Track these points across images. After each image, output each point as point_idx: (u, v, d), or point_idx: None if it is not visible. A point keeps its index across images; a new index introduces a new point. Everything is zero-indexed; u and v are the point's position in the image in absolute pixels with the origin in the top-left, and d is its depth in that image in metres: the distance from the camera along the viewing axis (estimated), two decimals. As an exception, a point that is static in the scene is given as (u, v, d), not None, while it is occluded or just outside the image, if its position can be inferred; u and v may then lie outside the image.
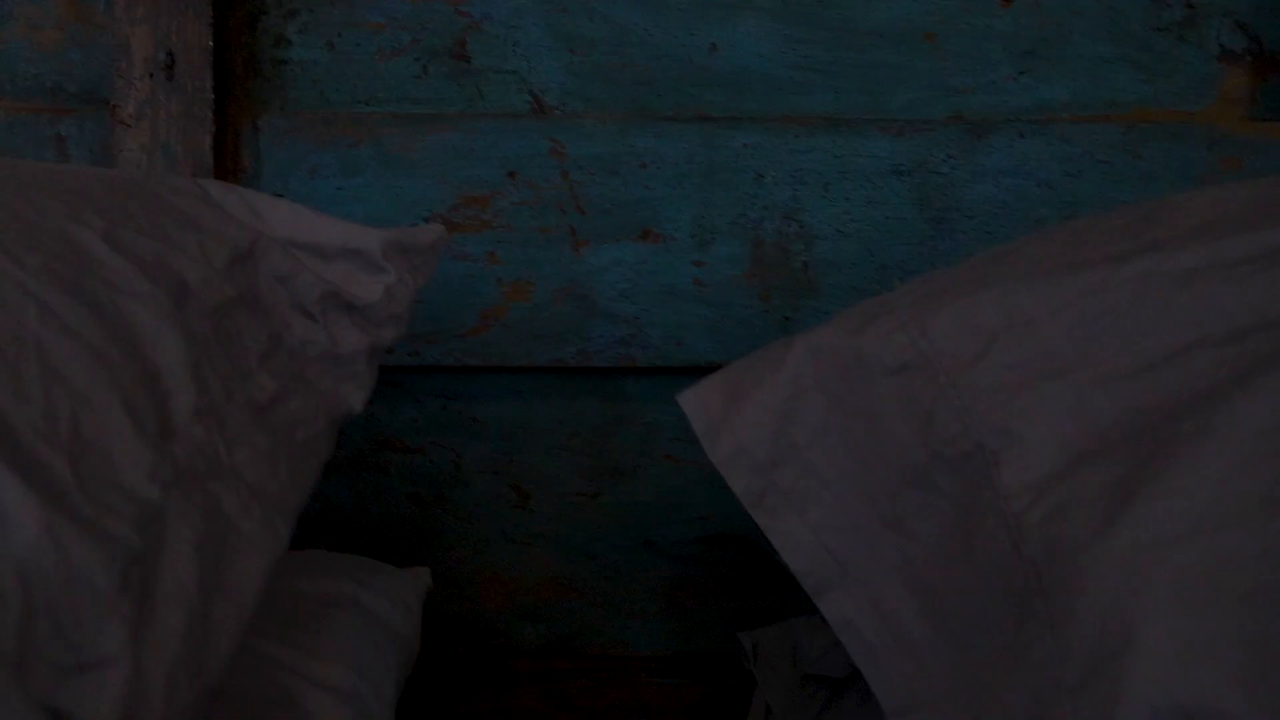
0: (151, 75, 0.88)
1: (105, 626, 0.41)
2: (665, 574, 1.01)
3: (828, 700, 0.89)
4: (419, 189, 0.95)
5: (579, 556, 1.01)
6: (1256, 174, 0.97)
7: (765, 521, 0.74)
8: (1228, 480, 0.54)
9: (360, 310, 0.72)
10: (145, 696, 0.42)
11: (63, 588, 0.40)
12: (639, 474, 1.00)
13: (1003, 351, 0.67)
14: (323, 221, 0.73)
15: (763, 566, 0.98)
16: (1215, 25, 0.98)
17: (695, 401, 0.76)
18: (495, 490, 1.00)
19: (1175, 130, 0.97)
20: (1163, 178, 0.97)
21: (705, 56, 0.97)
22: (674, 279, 0.96)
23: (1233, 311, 0.61)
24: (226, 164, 0.92)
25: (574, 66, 0.97)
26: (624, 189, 0.96)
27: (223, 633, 0.50)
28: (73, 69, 0.95)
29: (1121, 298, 0.65)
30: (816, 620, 0.89)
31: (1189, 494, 0.54)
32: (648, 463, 1.00)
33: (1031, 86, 0.98)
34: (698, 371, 0.77)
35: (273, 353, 0.65)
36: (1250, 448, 0.54)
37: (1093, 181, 0.96)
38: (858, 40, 0.98)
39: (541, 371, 0.98)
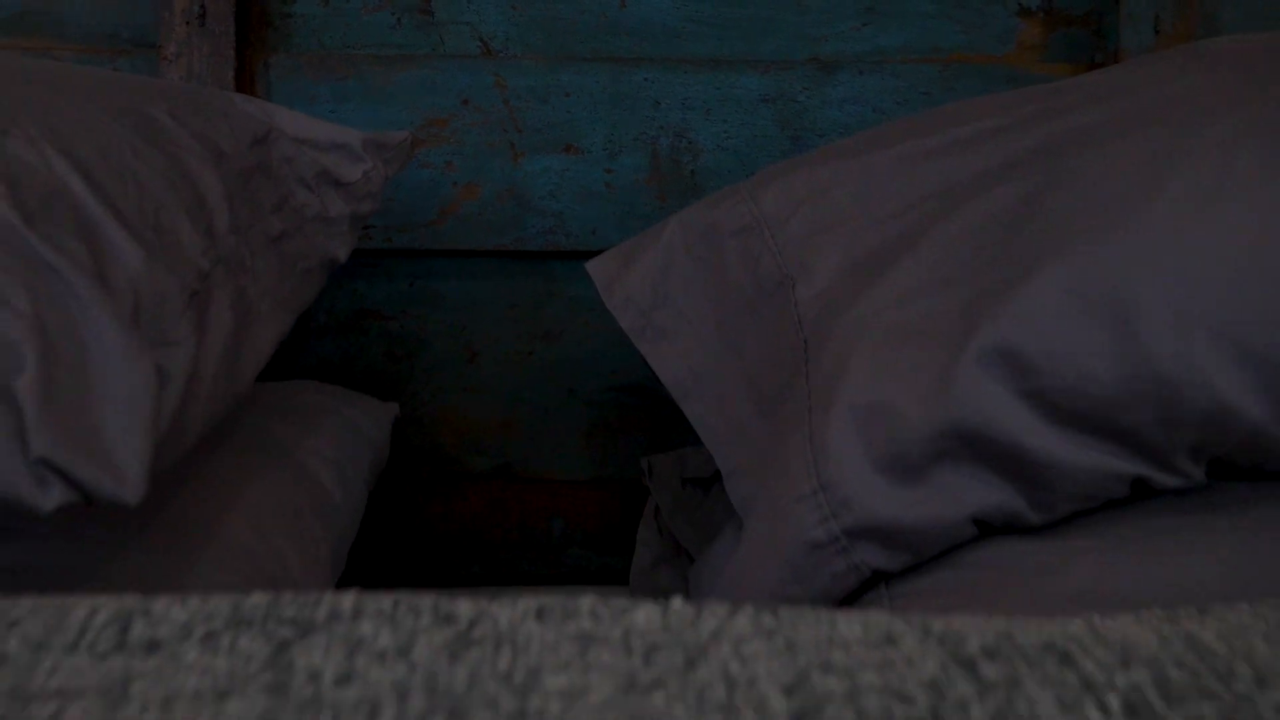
0: (188, 24, 1.12)
1: (178, 323, 0.65)
2: (585, 416, 1.24)
3: (700, 500, 1.13)
4: (394, 114, 1.19)
5: (517, 402, 1.24)
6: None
7: (645, 349, 0.97)
8: (921, 274, 0.77)
9: (345, 187, 0.95)
10: (199, 372, 0.66)
11: (152, 296, 0.64)
12: (564, 337, 1.23)
13: (807, 211, 0.91)
14: (318, 123, 0.97)
15: (661, 409, 1.21)
16: (1016, -12, 1.22)
17: (598, 267, 0.99)
18: (451, 350, 1.23)
19: (983, 70, 1.21)
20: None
21: (616, 12, 1.20)
22: (590, 183, 1.19)
23: (939, 179, 0.85)
24: (251, 92, 1.16)
25: (514, 19, 1.20)
26: (552, 113, 1.19)
27: (245, 363, 0.74)
28: (126, 19, 1.18)
29: (884, 172, 0.89)
30: (700, 449, 1.12)
31: (897, 283, 0.78)
32: (571, 328, 1.23)
33: (871, 36, 1.21)
34: (594, 238, 1.01)
35: (281, 207, 0.89)
36: (934, 257, 0.78)
37: (917, 109, 1.20)
38: (739, 1, 1.21)
39: (488, 255, 1.21)
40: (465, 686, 0.35)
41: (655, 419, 1.23)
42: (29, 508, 0.51)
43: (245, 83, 1.15)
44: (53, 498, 0.51)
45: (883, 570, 0.71)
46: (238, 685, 0.35)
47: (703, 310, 0.96)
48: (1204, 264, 0.67)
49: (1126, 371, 0.66)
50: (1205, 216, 0.69)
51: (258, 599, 0.40)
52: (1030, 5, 1.21)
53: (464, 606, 0.39)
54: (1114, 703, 0.36)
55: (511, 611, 0.39)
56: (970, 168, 0.84)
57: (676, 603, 0.41)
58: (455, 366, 1.22)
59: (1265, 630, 0.41)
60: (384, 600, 0.39)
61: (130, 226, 0.65)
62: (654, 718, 0.33)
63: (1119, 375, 0.66)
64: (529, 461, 1.24)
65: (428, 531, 1.23)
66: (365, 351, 1.22)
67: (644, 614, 0.40)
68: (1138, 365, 0.66)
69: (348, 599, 0.39)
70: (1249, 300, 0.66)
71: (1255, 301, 0.66)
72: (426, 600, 0.40)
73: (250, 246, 0.80)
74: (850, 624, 0.40)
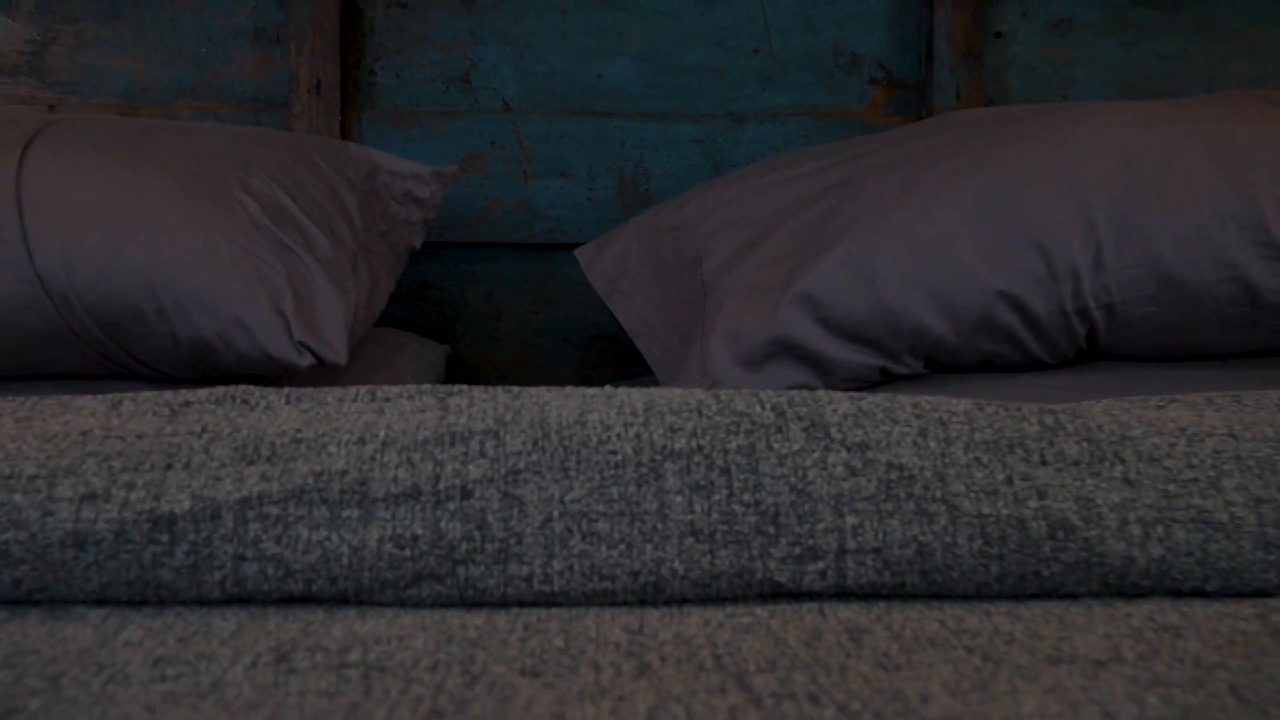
0: (309, 91, 1.58)
1: (348, 279, 1.11)
2: (574, 356, 1.70)
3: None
4: (444, 151, 1.64)
5: (528, 347, 1.70)
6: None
7: (613, 306, 1.41)
8: (771, 253, 1.23)
9: (419, 201, 1.41)
10: (358, 305, 1.12)
11: (336, 264, 1.10)
12: (560, 303, 1.69)
13: (712, 216, 1.36)
14: (400, 160, 1.42)
15: (624, 351, 1.67)
16: (868, 65, 1.68)
17: (582, 253, 1.45)
18: (483, 311, 1.68)
19: (845, 120, 1.67)
20: (844, 147, 1.67)
21: (596, 81, 1.66)
22: (578, 198, 1.65)
23: (789, 197, 1.30)
24: (347, 139, 1.61)
25: (526, 86, 1.66)
26: (551, 151, 1.65)
27: (375, 304, 1.20)
28: (265, 87, 1.64)
29: (759, 192, 1.35)
30: (648, 375, 1.57)
31: (757, 259, 1.23)
32: (565, 296, 1.69)
33: (768, 97, 1.67)
34: (578, 233, 1.47)
35: (384, 215, 1.35)
36: (778, 244, 1.24)
37: (798, 148, 1.65)
38: (679, 73, 1.67)
39: (508, 246, 1.66)
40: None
41: (621, 357, 1.69)
42: (295, 366, 0.98)
43: (345, 131, 1.61)
44: (305, 360, 0.98)
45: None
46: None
47: (648, 280, 1.41)
48: (914, 247, 1.14)
49: (871, 307, 1.13)
50: (919, 221, 1.15)
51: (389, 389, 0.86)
52: (877, 76, 1.68)
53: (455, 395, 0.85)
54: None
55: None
56: (806, 190, 1.30)
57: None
58: (486, 322, 1.68)
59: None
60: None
61: (319, 227, 1.12)
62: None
63: (868, 309, 1.13)
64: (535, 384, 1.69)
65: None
66: (425, 313, 1.68)
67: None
68: (877, 304, 1.13)
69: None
70: (937, 266, 1.12)
71: (941, 267, 1.12)
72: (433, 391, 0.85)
73: (371, 239, 1.26)
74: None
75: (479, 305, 1.68)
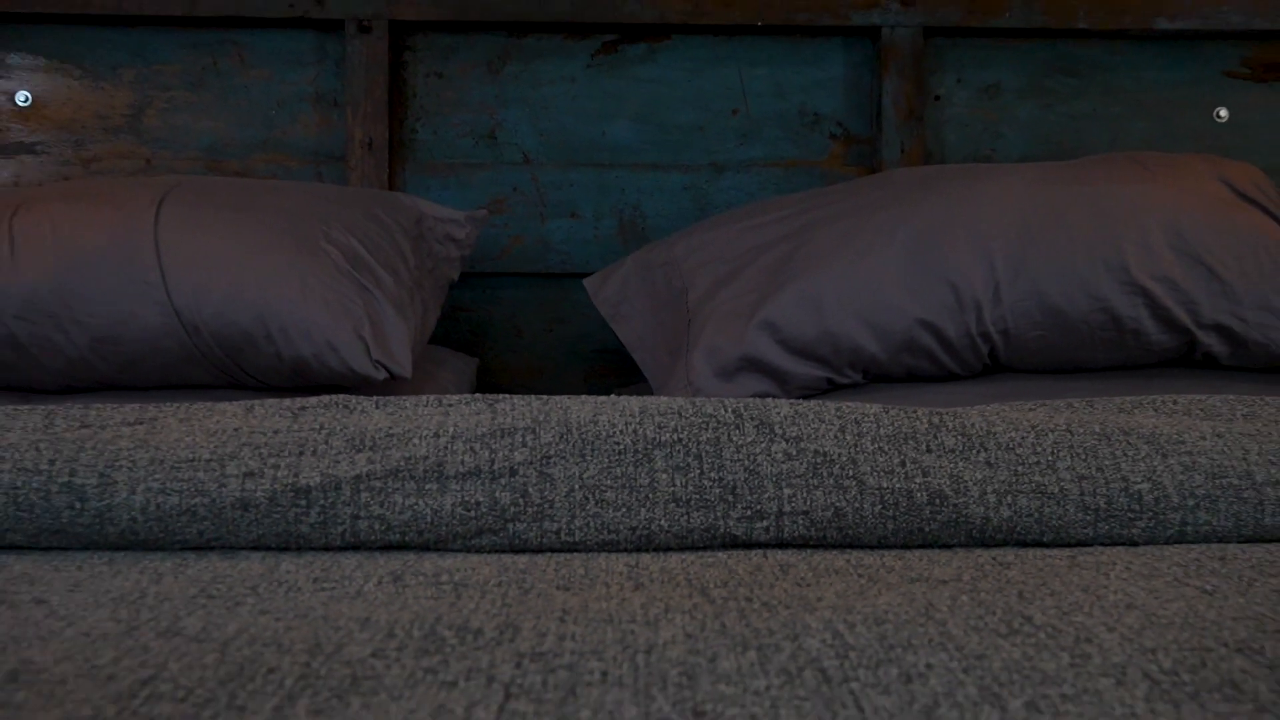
0: (363, 148, 1.83)
1: (408, 309, 1.35)
2: (582, 366, 1.95)
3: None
4: (474, 197, 1.89)
5: (544, 360, 1.94)
6: (847, 190, 1.91)
7: (615, 327, 1.66)
8: (742, 287, 1.48)
9: (456, 241, 1.66)
10: (416, 330, 1.36)
11: (399, 297, 1.35)
12: (570, 322, 1.94)
13: (696, 255, 1.60)
14: (440, 207, 1.67)
15: (623, 363, 1.92)
16: (828, 123, 1.93)
17: (589, 282, 1.69)
18: (506, 329, 1.93)
19: (810, 170, 1.92)
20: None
21: (601, 138, 1.91)
22: (585, 236, 1.90)
23: (758, 240, 1.55)
24: (394, 188, 1.86)
25: (542, 142, 1.91)
26: (564, 196, 1.90)
27: (426, 327, 1.45)
28: (325, 144, 1.89)
29: (734, 234, 1.59)
30: (642, 384, 1.82)
31: (731, 291, 1.48)
32: (574, 317, 1.93)
33: (745, 151, 1.92)
34: (587, 267, 1.72)
35: (430, 254, 1.59)
36: (748, 280, 1.48)
37: (769, 195, 1.90)
38: (670, 131, 1.91)
39: (527, 275, 1.91)
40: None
41: (621, 368, 1.93)
42: (373, 379, 1.23)
43: (392, 181, 1.86)
44: (381, 374, 1.23)
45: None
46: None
47: (644, 305, 1.66)
48: (853, 285, 1.39)
49: (819, 331, 1.38)
50: (857, 264, 1.40)
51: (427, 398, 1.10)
52: (836, 132, 1.93)
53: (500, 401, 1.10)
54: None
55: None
56: (770, 236, 1.55)
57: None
58: (508, 339, 1.93)
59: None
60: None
61: (385, 268, 1.37)
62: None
63: (816, 333, 1.38)
64: (550, 392, 1.94)
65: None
66: (458, 330, 1.92)
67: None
68: (823, 329, 1.37)
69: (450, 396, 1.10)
70: (870, 300, 1.37)
71: (873, 300, 1.37)
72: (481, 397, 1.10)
73: (421, 275, 1.51)
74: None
75: (502, 324, 1.93)
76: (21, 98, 1.84)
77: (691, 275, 1.57)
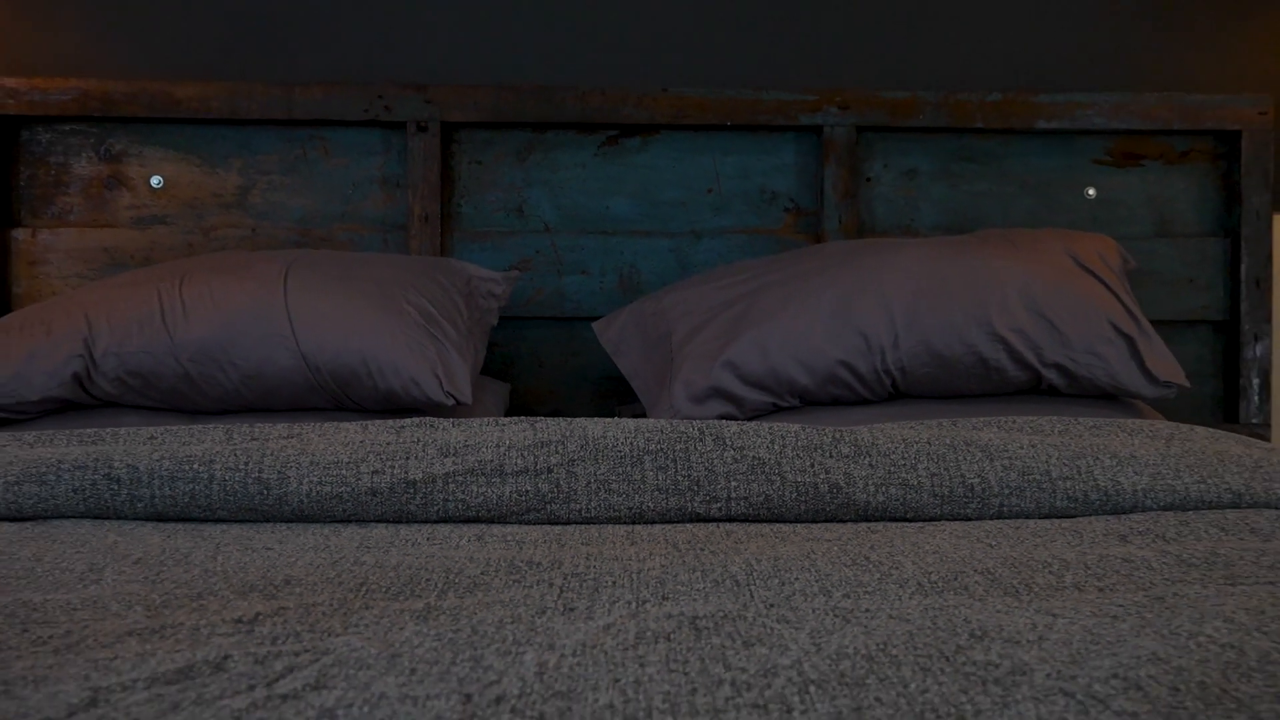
0: (420, 220, 2.22)
1: (466, 349, 1.75)
2: (591, 390, 2.33)
3: (641, 425, 2.23)
4: (506, 259, 2.28)
5: (560, 384, 2.33)
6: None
7: (616, 360, 2.04)
8: (711, 334, 1.87)
9: (495, 296, 2.04)
10: (471, 370, 1.75)
11: (460, 342, 1.74)
12: (581, 355, 2.32)
13: (678, 306, 1.99)
14: (482, 269, 2.05)
15: (623, 388, 2.31)
16: (783, 199, 2.32)
17: (597, 325, 2.08)
18: (530, 360, 2.32)
19: (769, 238, 2.31)
20: (765, 255, 2.32)
21: (605, 210, 2.30)
22: (594, 289, 2.29)
23: (726, 297, 1.94)
24: (444, 252, 2.26)
25: (560, 216, 2.30)
26: (576, 257, 2.29)
27: (477, 367, 1.84)
28: (391, 216, 2.27)
29: (707, 292, 1.98)
30: (637, 404, 2.21)
31: (704, 336, 1.87)
32: (584, 351, 2.32)
33: (718, 221, 2.31)
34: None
35: (476, 308, 1.98)
36: (715, 327, 1.87)
37: (737, 259, 2.29)
38: (659, 206, 2.30)
39: (547, 319, 2.29)
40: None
41: (620, 391, 2.32)
42: (444, 405, 1.62)
43: (443, 247, 2.25)
44: (450, 402, 1.62)
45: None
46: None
47: (638, 345, 2.04)
48: (790, 335, 1.77)
49: (766, 369, 1.77)
50: (794, 320, 1.79)
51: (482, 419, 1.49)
52: (789, 206, 2.32)
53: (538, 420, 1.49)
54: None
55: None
56: (731, 295, 1.93)
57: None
58: (532, 368, 2.32)
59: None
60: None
61: (449, 322, 1.75)
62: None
63: (764, 370, 1.77)
64: (565, 410, 2.34)
65: (519, 443, 2.32)
66: (494, 360, 2.30)
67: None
68: (769, 367, 1.76)
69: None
70: (803, 346, 1.76)
71: (805, 346, 1.76)
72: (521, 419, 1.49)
73: (472, 324, 1.90)
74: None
75: (528, 357, 2.31)
76: (156, 181, 2.23)
77: (674, 323, 1.96)
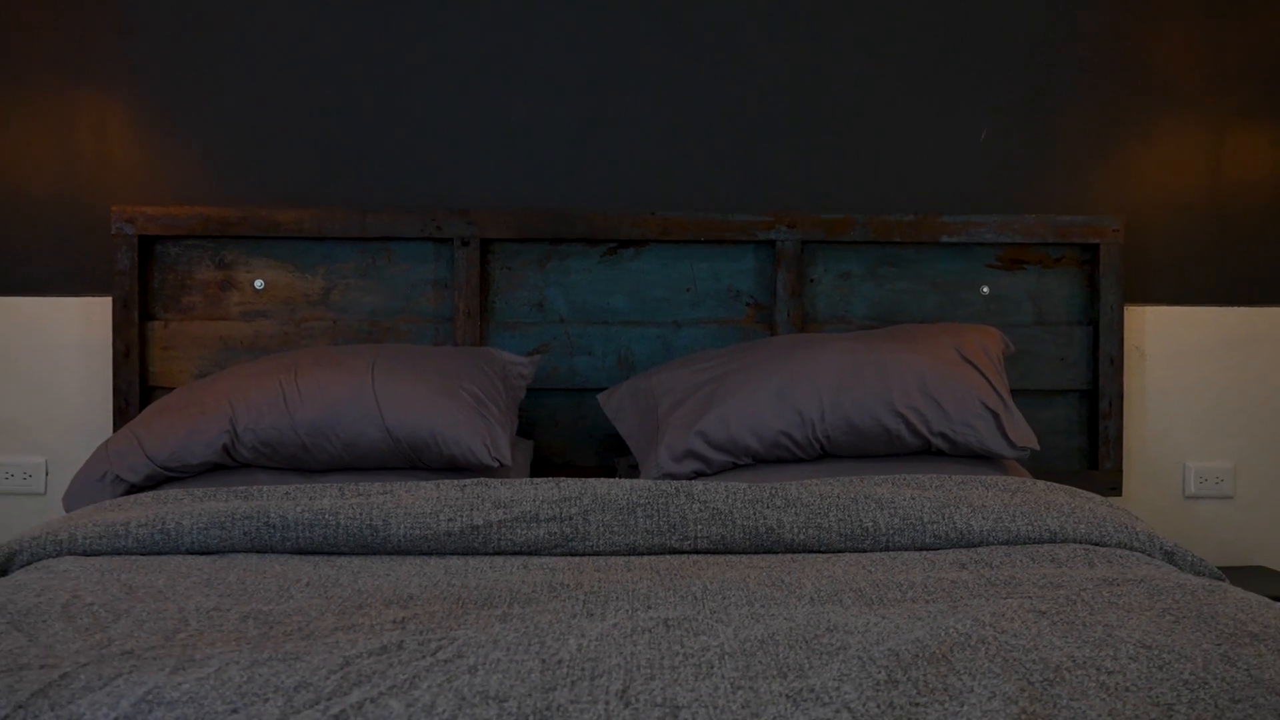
0: (464, 315, 2.69)
1: (507, 423, 2.21)
2: (596, 445, 2.76)
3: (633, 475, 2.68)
4: (529, 343, 2.73)
5: (573, 442, 2.76)
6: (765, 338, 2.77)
7: (616, 425, 2.48)
8: (689, 409, 2.33)
9: (523, 376, 2.49)
10: (509, 438, 2.21)
11: (503, 418, 2.19)
12: (588, 419, 2.76)
13: (664, 385, 2.44)
14: (514, 355, 2.51)
15: (622, 445, 2.76)
16: (745, 296, 2.77)
17: (601, 397, 2.53)
18: (549, 422, 2.76)
19: (735, 327, 2.76)
20: (730, 342, 2.78)
21: (608, 305, 2.76)
22: (598, 366, 2.74)
23: (699, 379, 2.40)
24: (482, 342, 2.72)
25: (572, 310, 2.76)
26: (585, 342, 2.75)
27: (512, 434, 2.29)
28: (441, 310, 2.73)
29: (688, 374, 2.44)
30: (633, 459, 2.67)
31: (683, 409, 2.33)
32: (591, 415, 2.75)
33: (694, 313, 2.77)
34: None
35: (510, 386, 2.43)
36: (690, 402, 2.34)
37: (710, 346, 2.75)
38: (649, 301, 2.76)
39: (563, 390, 2.74)
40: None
41: (618, 447, 2.76)
42: (491, 467, 2.08)
43: (481, 336, 2.71)
44: (496, 465, 2.08)
45: (674, 486, 2.28)
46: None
47: (633, 413, 2.49)
48: (746, 412, 2.22)
49: (727, 437, 2.22)
50: (747, 401, 2.25)
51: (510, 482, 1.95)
52: (750, 302, 2.78)
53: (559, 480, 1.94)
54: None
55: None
56: (702, 378, 2.38)
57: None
58: (550, 428, 2.77)
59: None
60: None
61: (493, 403, 2.20)
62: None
63: (725, 438, 2.22)
64: (577, 461, 2.79)
65: (539, 486, 2.78)
66: (521, 423, 2.75)
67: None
68: (729, 436, 2.21)
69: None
70: (754, 420, 2.21)
71: (756, 420, 2.21)
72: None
73: (509, 400, 2.34)
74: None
75: (547, 420, 2.77)
76: (259, 284, 2.69)
77: (660, 398, 2.42)
